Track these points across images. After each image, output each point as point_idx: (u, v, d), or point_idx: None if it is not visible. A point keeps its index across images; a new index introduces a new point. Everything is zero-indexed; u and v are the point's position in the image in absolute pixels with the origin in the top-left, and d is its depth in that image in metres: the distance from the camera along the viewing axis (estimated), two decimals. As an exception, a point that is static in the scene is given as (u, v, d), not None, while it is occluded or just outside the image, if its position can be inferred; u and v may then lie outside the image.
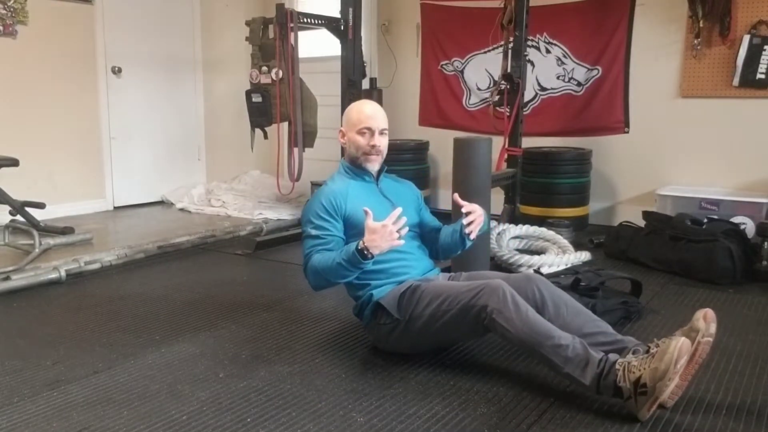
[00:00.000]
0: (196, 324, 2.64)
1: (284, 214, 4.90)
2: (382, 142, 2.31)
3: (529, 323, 1.92)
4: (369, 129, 2.27)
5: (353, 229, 2.24)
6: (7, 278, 3.11)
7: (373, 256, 2.04)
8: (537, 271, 3.02)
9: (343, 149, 2.41)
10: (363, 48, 4.57)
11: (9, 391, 2.03)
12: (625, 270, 3.21)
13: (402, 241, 2.05)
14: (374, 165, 2.34)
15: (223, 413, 1.87)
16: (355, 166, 2.36)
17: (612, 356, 1.84)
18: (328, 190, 2.30)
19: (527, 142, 4.38)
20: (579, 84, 4.61)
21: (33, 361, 2.26)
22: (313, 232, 2.22)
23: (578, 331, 1.99)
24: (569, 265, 3.28)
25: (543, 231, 3.82)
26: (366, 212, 2.05)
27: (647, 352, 1.83)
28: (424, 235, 2.46)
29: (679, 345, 1.71)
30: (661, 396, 1.72)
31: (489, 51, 4.85)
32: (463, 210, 2.23)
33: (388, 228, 2.01)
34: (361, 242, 2.04)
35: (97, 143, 5.12)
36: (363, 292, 2.27)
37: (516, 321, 1.93)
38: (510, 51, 4.10)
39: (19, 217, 3.96)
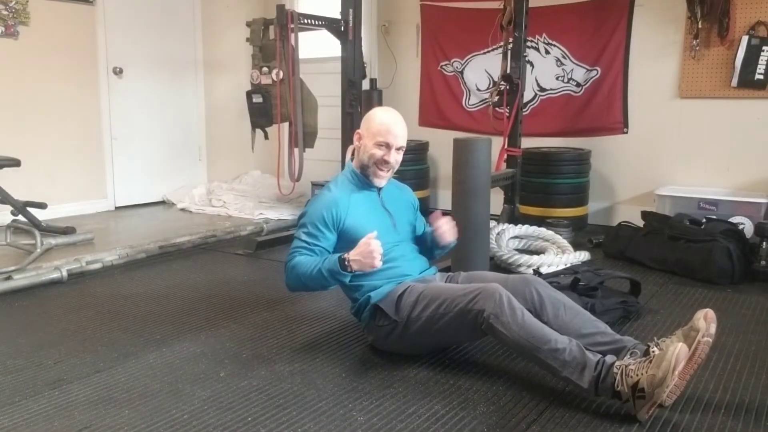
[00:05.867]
0: (197, 323, 2.65)
1: (285, 214, 4.91)
2: (396, 159, 2.30)
3: (525, 327, 1.93)
4: (387, 145, 2.26)
5: (348, 242, 2.24)
6: (9, 278, 3.12)
7: (352, 270, 2.09)
8: (536, 272, 3.03)
9: (350, 153, 2.42)
10: (363, 49, 4.58)
11: (11, 391, 2.04)
12: (624, 270, 3.22)
13: (379, 263, 2.09)
14: (381, 181, 2.33)
15: (223, 412, 1.88)
16: (362, 174, 2.33)
17: (609, 358, 1.85)
18: (331, 198, 2.27)
19: (527, 143, 4.39)
20: (578, 84, 4.62)
21: (35, 361, 2.27)
22: (304, 236, 2.23)
23: (577, 331, 2.00)
24: (568, 265, 3.29)
25: (542, 231, 3.83)
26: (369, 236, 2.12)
27: (646, 352, 1.85)
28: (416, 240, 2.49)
29: (676, 352, 1.71)
30: (659, 400, 1.73)
31: (488, 52, 4.86)
32: (434, 227, 2.35)
33: (370, 247, 2.07)
34: (346, 254, 2.10)
35: (98, 143, 5.13)
36: (360, 294, 2.28)
37: (513, 326, 1.94)
38: (509, 52, 4.11)
39: (20, 217, 3.96)
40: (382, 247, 2.08)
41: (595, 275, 2.77)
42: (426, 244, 2.46)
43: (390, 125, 2.27)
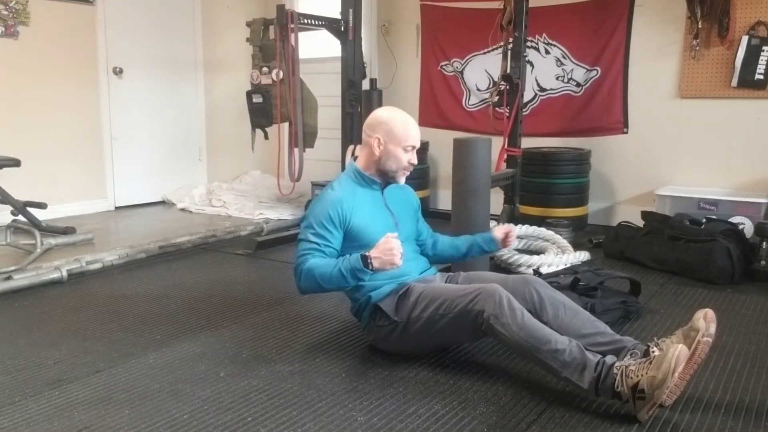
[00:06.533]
0: (197, 323, 2.65)
1: (285, 214, 4.91)
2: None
3: (525, 328, 1.93)
4: (413, 147, 2.27)
5: (353, 242, 2.24)
6: (9, 278, 3.12)
7: (373, 268, 2.07)
8: (536, 272, 3.03)
9: (350, 153, 2.42)
10: (363, 49, 4.59)
11: (11, 390, 2.04)
12: (624, 270, 3.22)
13: (400, 262, 2.07)
14: (403, 180, 2.35)
15: (223, 412, 1.88)
16: (372, 174, 2.31)
17: (609, 358, 1.85)
18: (336, 197, 2.25)
19: (527, 143, 4.39)
20: (578, 84, 4.62)
21: (35, 361, 2.27)
22: (312, 237, 2.21)
23: (576, 332, 2.00)
24: (568, 265, 3.29)
25: (542, 231, 3.83)
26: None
27: (646, 352, 1.85)
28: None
29: (676, 353, 1.71)
30: (659, 401, 1.73)
31: (488, 52, 4.86)
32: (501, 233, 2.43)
33: (390, 245, 2.06)
34: (367, 252, 2.08)
35: (98, 143, 5.13)
36: (361, 294, 2.28)
37: (512, 326, 1.94)
38: (509, 52, 4.11)
39: (20, 217, 3.97)
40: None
41: (595, 275, 2.77)
42: (460, 250, 2.51)
43: (411, 128, 2.27)
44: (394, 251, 2.05)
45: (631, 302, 2.71)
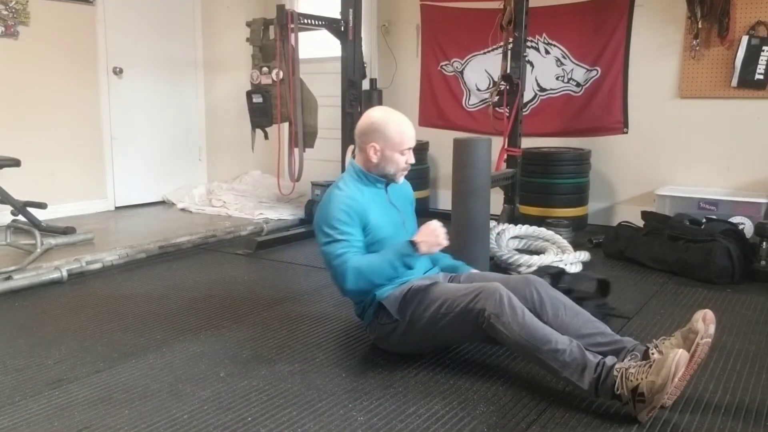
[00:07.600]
0: (197, 323, 2.65)
1: (285, 214, 4.91)
2: None
3: (526, 328, 1.93)
4: (410, 149, 2.28)
5: (368, 240, 2.23)
6: (9, 278, 3.12)
7: (420, 251, 2.12)
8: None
9: (350, 153, 2.43)
10: (363, 49, 4.58)
11: (11, 390, 2.04)
12: (624, 270, 3.23)
13: (446, 242, 2.15)
14: (401, 179, 2.36)
15: (223, 412, 1.88)
16: (371, 174, 2.31)
17: (609, 359, 1.85)
18: (348, 196, 2.23)
19: (527, 143, 4.39)
20: (578, 84, 4.62)
21: (35, 361, 2.28)
22: (340, 236, 2.16)
23: (577, 332, 2.00)
24: (568, 265, 3.28)
25: (542, 231, 3.82)
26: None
27: (645, 354, 1.85)
28: None
29: (676, 359, 1.71)
30: (659, 404, 1.73)
31: (488, 52, 4.86)
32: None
33: (432, 227, 2.14)
34: (413, 238, 2.14)
35: (98, 143, 5.13)
36: (366, 295, 2.27)
37: (513, 325, 1.94)
38: (509, 52, 4.10)
39: (20, 217, 3.96)
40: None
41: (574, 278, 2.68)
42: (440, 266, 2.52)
43: (406, 130, 2.27)
44: (438, 231, 2.12)
45: (603, 305, 2.59)
